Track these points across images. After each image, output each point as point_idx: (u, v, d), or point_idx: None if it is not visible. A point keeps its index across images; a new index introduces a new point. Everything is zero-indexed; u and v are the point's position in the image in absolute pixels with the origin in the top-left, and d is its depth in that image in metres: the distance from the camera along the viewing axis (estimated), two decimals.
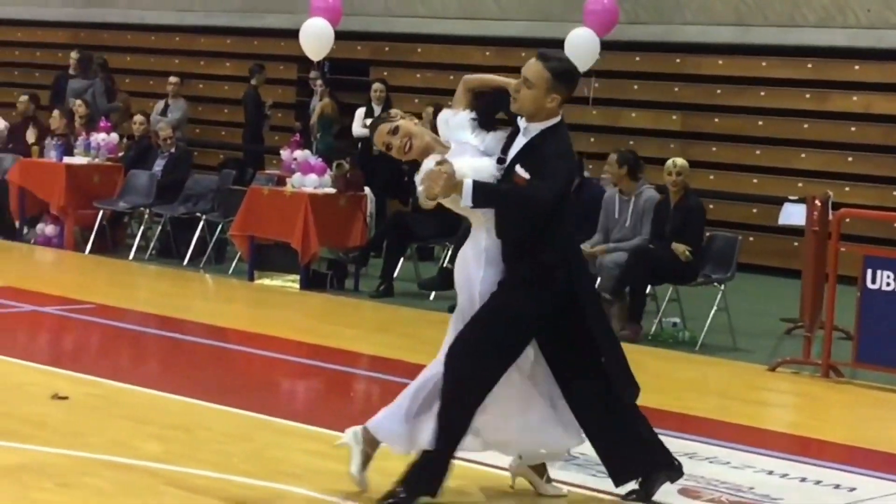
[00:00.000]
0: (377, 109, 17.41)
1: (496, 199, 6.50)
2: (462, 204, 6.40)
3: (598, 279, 12.43)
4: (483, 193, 6.40)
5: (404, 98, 19.29)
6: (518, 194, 6.48)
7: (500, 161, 6.59)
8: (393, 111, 6.91)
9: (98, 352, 10.99)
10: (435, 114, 17.31)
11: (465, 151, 6.64)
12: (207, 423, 8.17)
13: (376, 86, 18.33)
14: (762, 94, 17.99)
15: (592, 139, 18.06)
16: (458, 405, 6.52)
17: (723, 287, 12.50)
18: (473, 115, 6.73)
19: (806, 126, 17.67)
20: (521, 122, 6.62)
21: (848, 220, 12.00)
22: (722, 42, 18.25)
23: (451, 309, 12.96)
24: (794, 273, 13.72)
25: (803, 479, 7.75)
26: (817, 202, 11.94)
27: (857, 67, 17.48)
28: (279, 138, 19.68)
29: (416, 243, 14.90)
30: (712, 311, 12.33)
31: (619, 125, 18.71)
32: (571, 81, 6.63)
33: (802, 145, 17.64)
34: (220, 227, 15.60)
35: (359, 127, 17.96)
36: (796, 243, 15.25)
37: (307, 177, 14.42)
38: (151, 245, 16.17)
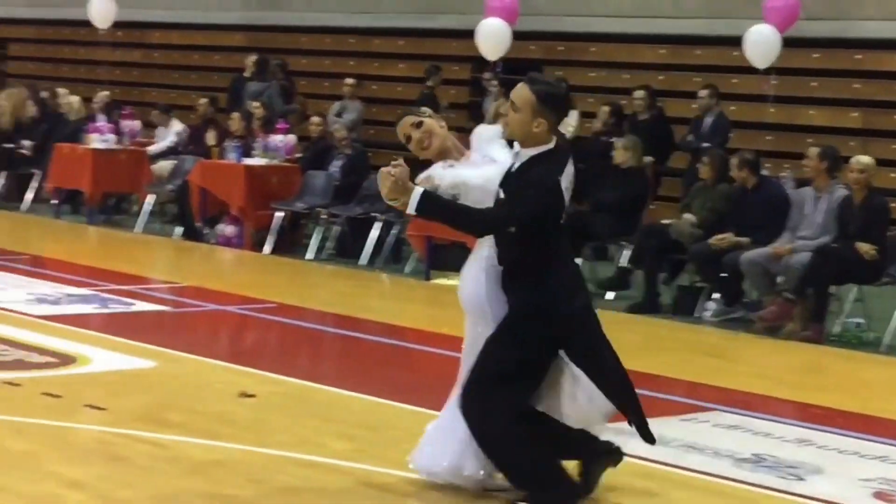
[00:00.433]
0: None
1: (442, 213, 6.44)
2: (407, 210, 6.34)
3: (782, 278, 12.25)
4: (430, 204, 6.33)
5: (578, 98, 19.08)
6: (467, 214, 6.41)
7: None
8: (423, 109, 6.84)
9: (280, 350, 11.12)
10: (610, 114, 17.31)
11: (485, 164, 6.56)
12: (392, 421, 8.20)
13: None
14: None
15: (770, 137, 17.78)
16: (501, 450, 6.39)
17: None
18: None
19: None
20: (516, 147, 6.50)
21: None
22: None
23: (630, 309, 13.15)
24: None
25: None
26: None
27: None
28: None
29: (592, 243, 14.82)
30: None
31: (797, 123, 18.40)
32: (558, 106, 6.37)
33: None
34: (396, 227, 15.71)
35: None
36: None
37: None
38: (329, 245, 16.34)
